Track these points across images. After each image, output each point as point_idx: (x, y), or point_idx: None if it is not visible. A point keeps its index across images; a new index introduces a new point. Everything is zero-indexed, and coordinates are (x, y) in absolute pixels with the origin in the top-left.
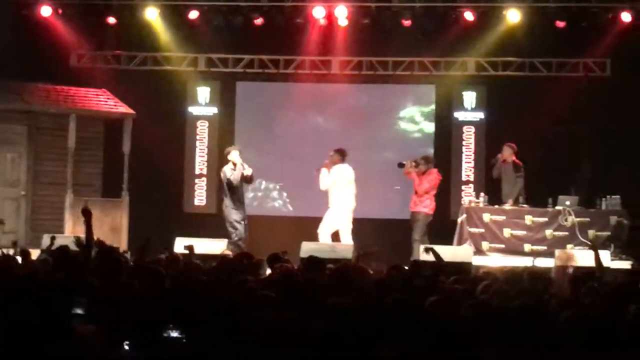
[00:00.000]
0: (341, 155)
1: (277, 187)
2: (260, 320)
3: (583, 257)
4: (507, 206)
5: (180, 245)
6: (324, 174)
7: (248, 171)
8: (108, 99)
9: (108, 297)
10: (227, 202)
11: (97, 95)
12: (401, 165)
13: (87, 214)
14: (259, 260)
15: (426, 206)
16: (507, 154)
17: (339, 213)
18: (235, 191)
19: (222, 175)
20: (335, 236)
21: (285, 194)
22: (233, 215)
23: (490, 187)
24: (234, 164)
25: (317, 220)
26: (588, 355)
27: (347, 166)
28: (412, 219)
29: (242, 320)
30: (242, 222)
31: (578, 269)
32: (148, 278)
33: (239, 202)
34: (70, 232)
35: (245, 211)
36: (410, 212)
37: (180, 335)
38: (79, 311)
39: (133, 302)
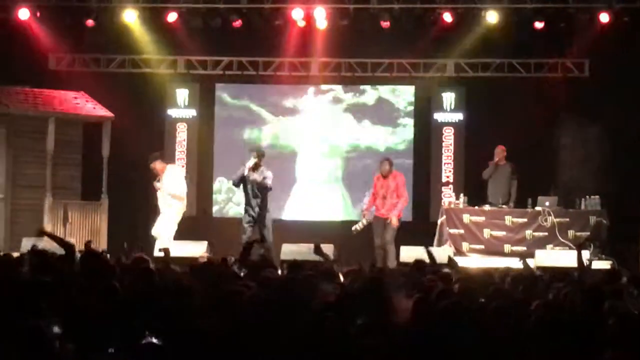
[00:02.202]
0: (161, 158)
1: None
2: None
3: (563, 258)
4: (487, 207)
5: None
6: (163, 183)
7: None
8: (87, 101)
9: (89, 303)
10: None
11: (75, 98)
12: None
13: (43, 234)
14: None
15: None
16: (501, 156)
17: (173, 214)
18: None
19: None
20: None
21: None
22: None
23: (470, 188)
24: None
25: (295, 223)
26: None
27: (175, 166)
28: (385, 222)
29: (218, 326)
30: (247, 225)
31: (557, 269)
32: (136, 279)
33: (245, 204)
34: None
35: (252, 214)
36: (385, 217)
37: (158, 342)
38: (56, 329)
39: (115, 306)
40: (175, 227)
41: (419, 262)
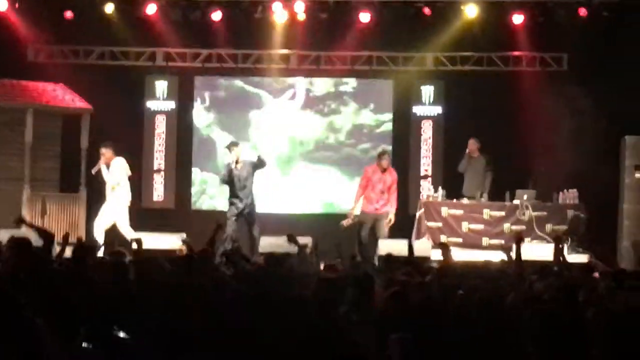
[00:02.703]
0: (113, 148)
1: None
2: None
3: (541, 251)
4: (465, 200)
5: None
6: (105, 172)
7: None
8: (65, 93)
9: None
10: None
11: (54, 90)
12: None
13: (22, 223)
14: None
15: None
16: (474, 147)
17: (120, 207)
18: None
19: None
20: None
21: None
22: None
23: (449, 181)
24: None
25: (275, 216)
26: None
27: (122, 159)
28: (382, 217)
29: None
30: (232, 218)
31: (535, 263)
32: (110, 272)
33: (230, 198)
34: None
35: (239, 206)
36: (381, 212)
37: (126, 336)
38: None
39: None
40: (120, 217)
41: (389, 256)
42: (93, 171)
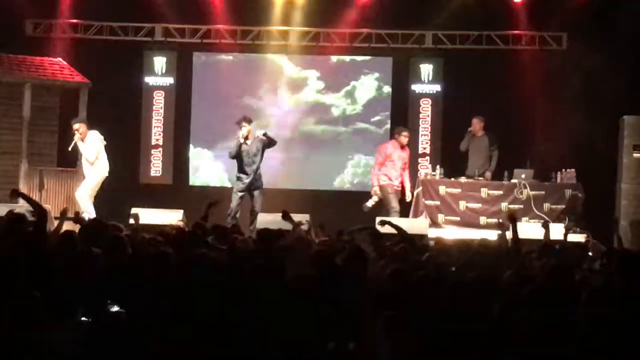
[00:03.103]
0: (86, 122)
1: None
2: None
3: (538, 230)
4: (463, 179)
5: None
6: (83, 147)
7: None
8: (63, 68)
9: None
10: None
11: (52, 64)
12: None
13: (18, 195)
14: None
15: None
16: (478, 127)
17: (98, 176)
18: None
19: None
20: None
21: None
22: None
23: (447, 159)
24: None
25: (279, 192)
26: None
27: (96, 132)
28: (399, 194)
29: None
30: (239, 193)
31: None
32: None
33: (238, 173)
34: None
35: (245, 181)
36: (399, 189)
37: (120, 310)
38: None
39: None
40: (97, 188)
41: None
42: (69, 148)
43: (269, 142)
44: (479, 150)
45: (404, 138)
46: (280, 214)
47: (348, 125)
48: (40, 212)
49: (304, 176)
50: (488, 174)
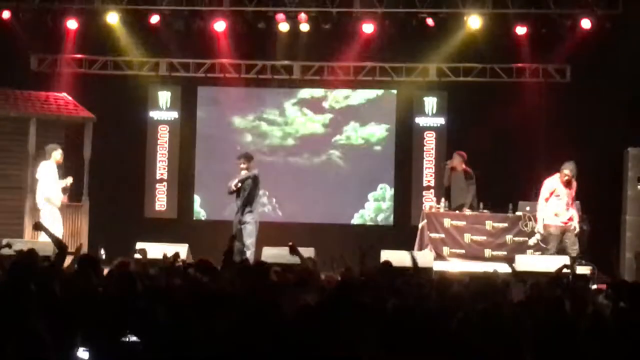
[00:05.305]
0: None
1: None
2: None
3: (543, 263)
4: (468, 212)
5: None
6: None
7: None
8: (68, 103)
9: (68, 302)
10: None
11: (57, 99)
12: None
13: (39, 229)
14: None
15: None
16: (457, 161)
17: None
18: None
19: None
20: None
21: None
22: None
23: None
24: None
25: (278, 225)
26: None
27: (49, 162)
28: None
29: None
30: (238, 226)
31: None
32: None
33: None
34: (30, 237)
35: (240, 215)
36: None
37: (137, 340)
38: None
39: (95, 305)
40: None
41: (386, 266)
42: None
43: (255, 179)
44: (457, 185)
45: (574, 172)
46: (288, 248)
47: (350, 157)
48: (61, 247)
49: (312, 208)
50: (465, 210)
